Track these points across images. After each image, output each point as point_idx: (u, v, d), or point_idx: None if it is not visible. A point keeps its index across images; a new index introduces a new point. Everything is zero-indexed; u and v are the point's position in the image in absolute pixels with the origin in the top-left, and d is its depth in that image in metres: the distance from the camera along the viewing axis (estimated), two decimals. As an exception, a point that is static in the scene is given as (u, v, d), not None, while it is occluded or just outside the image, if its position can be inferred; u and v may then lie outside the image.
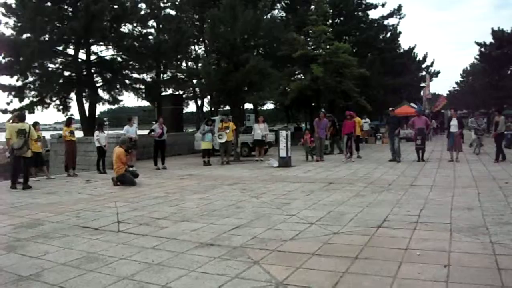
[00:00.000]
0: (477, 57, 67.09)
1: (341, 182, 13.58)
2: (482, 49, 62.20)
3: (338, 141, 24.90)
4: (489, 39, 60.14)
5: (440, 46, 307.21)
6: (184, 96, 41.15)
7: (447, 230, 7.21)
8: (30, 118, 27.37)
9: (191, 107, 47.64)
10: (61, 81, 30.49)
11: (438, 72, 68.02)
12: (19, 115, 15.03)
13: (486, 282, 4.96)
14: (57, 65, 30.80)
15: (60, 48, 30.02)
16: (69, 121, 19.34)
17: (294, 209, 9.34)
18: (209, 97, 39.04)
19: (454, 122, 19.33)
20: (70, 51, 30.47)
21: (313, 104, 34.19)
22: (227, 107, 32.71)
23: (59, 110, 31.76)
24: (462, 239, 6.64)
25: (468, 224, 7.57)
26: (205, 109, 44.07)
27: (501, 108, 20.14)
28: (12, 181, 14.52)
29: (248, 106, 44.87)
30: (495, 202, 9.54)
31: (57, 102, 31.42)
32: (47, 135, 28.53)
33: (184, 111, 43.48)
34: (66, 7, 29.66)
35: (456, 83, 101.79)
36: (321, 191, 11.92)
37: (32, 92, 30.03)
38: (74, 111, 31.30)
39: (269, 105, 54.01)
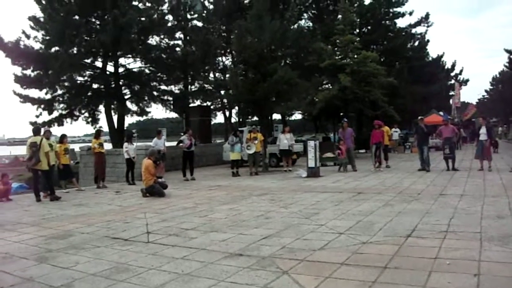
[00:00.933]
0: (507, 64, 66.44)
1: (370, 191, 13.53)
2: (511, 56, 61.54)
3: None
4: (518, 46, 59.56)
5: (469, 54, 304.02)
6: (212, 107, 41.32)
7: (477, 239, 7.15)
8: (59, 131, 27.92)
9: (219, 118, 47.92)
10: (89, 93, 30.87)
11: (467, 80, 67.54)
12: (33, 129, 15.29)
13: (517, 291, 4.93)
14: (85, 78, 31.17)
15: (89, 60, 30.37)
16: (98, 133, 19.57)
17: (323, 219, 9.34)
18: (237, 108, 39.16)
19: (483, 131, 19.11)
20: (98, 63, 30.85)
21: (341, 114, 34.05)
22: (255, 118, 32.79)
23: (88, 123, 32.04)
24: (492, 248, 6.58)
25: (499, 233, 7.50)
26: (233, 120, 44.19)
27: None
28: (34, 193, 14.84)
29: (276, 116, 44.90)
30: (526, 211, 9.40)
31: (86, 114, 31.70)
32: (76, 147, 28.98)
33: (212, 122, 43.70)
34: (94, 20, 30.02)
35: (486, 91, 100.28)
36: (350, 201, 11.90)
37: (61, 105, 30.43)
38: (103, 123, 31.66)
39: (297, 115, 53.94)
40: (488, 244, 6.80)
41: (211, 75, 40.16)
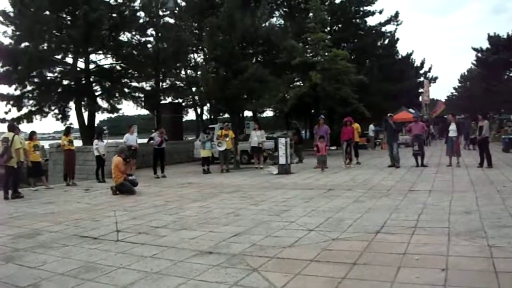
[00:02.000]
0: (474, 62, 67.74)
1: (340, 188, 13.61)
2: (479, 55, 62.81)
3: (300, 150, 24.78)
4: (485, 45, 60.67)
5: (438, 52, 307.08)
6: (183, 104, 41.19)
7: (445, 234, 7.26)
8: (28, 127, 27.53)
9: (191, 115, 47.68)
10: (59, 90, 30.54)
11: (436, 78, 68.41)
12: (8, 126, 15.11)
13: (483, 285, 5.01)
14: (55, 74, 30.84)
15: (59, 56, 30.02)
16: (67, 130, 19.42)
17: (293, 216, 9.36)
18: (208, 105, 39.05)
19: (453, 127, 19.42)
20: (69, 59, 30.56)
21: (312, 111, 34.24)
22: (227, 115, 32.76)
23: (58, 119, 31.74)
24: (460, 243, 6.68)
25: (466, 228, 7.63)
26: (204, 117, 44.10)
27: (485, 113, 20.08)
28: (3, 191, 14.61)
29: (248, 113, 44.91)
30: (493, 205, 9.62)
31: (56, 111, 31.41)
32: (45, 144, 28.55)
33: (184, 119, 43.52)
34: (64, 15, 29.72)
35: (454, 88, 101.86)
36: (320, 197, 11.95)
37: (31, 101, 30.13)
38: (73, 120, 31.30)
39: (269, 113, 53.97)
40: (456, 239, 6.90)
41: (183, 72, 40.06)
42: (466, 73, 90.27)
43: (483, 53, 61.67)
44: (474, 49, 63.71)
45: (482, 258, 5.92)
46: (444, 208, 9.48)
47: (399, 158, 19.83)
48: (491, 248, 6.35)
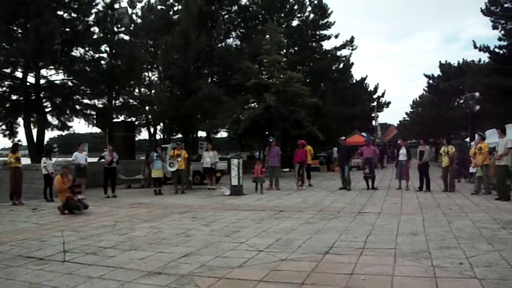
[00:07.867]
0: (426, 88, 69.41)
1: (291, 210, 13.68)
2: (431, 81, 64.48)
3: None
4: (437, 72, 62.33)
5: (391, 77, 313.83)
6: (136, 123, 40.74)
7: (392, 255, 7.38)
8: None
9: (144, 134, 47.18)
10: (8, 105, 29.61)
11: (389, 103, 69.79)
12: None
13: (426, 305, 5.09)
14: (4, 88, 29.89)
15: (8, 70, 29.18)
16: (15, 147, 18.89)
17: (243, 237, 9.35)
18: (161, 124, 38.78)
19: (403, 151, 19.84)
20: (19, 74, 29.66)
21: (266, 132, 34.36)
22: (180, 135, 32.58)
23: (5, 136, 30.74)
24: (405, 263, 6.81)
25: (412, 248, 7.78)
26: (157, 136, 43.77)
27: (426, 139, 20.81)
28: None
29: (202, 134, 44.79)
30: (439, 227, 9.86)
31: (3, 127, 30.45)
32: (-9, 161, 27.72)
33: (137, 138, 43.05)
34: (15, 28, 29.06)
35: (406, 113, 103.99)
36: (271, 219, 11.97)
37: (-23, 116, 29.27)
38: (22, 136, 30.52)
39: (223, 133, 54.00)
40: (401, 260, 7.02)
41: (137, 90, 39.65)
42: (418, 99, 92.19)
43: (435, 80, 63.41)
44: (426, 76, 65.54)
45: (425, 278, 6.05)
46: (392, 230, 9.64)
47: (350, 181, 20.07)
48: (434, 268, 6.49)
